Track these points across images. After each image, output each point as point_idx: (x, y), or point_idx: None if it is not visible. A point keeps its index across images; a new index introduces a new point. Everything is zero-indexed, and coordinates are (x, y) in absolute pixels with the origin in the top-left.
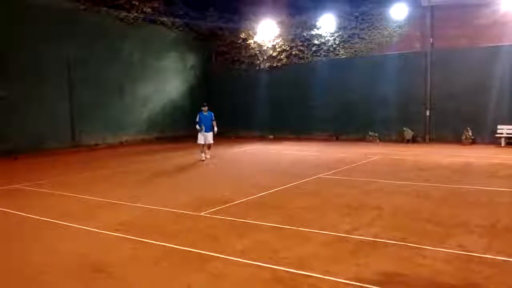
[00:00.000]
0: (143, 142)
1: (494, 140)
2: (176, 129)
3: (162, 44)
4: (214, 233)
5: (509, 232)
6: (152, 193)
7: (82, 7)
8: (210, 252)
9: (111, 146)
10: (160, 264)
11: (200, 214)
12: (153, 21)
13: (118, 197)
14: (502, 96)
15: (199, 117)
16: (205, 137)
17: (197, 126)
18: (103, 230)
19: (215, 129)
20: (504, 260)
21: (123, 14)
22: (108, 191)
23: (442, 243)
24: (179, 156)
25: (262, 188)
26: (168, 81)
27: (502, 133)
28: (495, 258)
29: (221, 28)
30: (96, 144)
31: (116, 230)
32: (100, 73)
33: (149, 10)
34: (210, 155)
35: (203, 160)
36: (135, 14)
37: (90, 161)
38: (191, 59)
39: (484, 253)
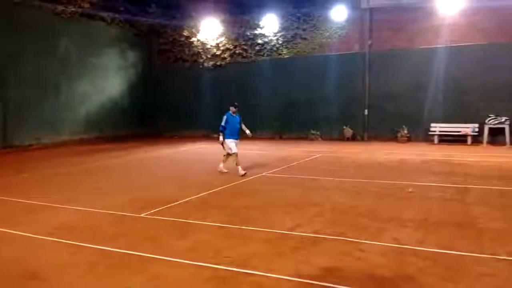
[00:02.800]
0: (81, 142)
1: (428, 138)
2: (116, 128)
3: (101, 40)
4: (154, 235)
5: (441, 225)
6: (91, 195)
7: (16, 0)
8: (150, 254)
9: (47, 147)
10: (97, 268)
11: (140, 215)
12: (92, 17)
13: (54, 199)
14: (436, 96)
15: (226, 120)
16: (235, 146)
17: (220, 137)
18: (37, 235)
19: (248, 132)
20: (435, 252)
21: (60, 8)
22: (44, 193)
23: (378, 237)
24: (119, 156)
25: (205, 187)
26: (107, 79)
27: (435, 131)
28: (427, 251)
29: (163, 25)
30: (31, 145)
31: (51, 234)
32: (34, 70)
33: (87, 4)
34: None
35: (226, 172)
36: (73, 9)
37: (24, 162)
38: (132, 57)
39: (417, 246)
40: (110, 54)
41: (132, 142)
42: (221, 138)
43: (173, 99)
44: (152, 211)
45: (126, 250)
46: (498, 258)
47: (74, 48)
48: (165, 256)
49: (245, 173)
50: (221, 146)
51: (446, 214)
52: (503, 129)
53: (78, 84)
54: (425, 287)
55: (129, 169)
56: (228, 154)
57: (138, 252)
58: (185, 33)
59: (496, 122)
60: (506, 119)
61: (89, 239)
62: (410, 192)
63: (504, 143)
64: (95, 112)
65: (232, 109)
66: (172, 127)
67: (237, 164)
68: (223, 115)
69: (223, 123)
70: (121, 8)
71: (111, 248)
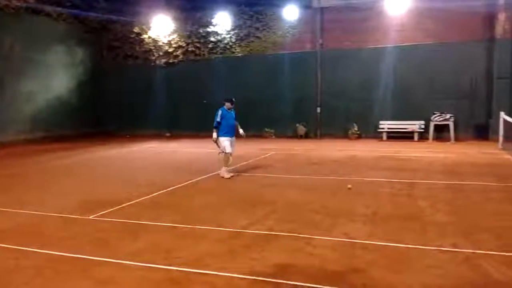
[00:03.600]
0: (27, 142)
1: (377, 135)
2: (64, 128)
3: (48, 36)
4: (104, 237)
5: (389, 219)
6: (38, 197)
7: None
8: (99, 257)
9: None
10: (45, 273)
11: (89, 217)
12: (37, 12)
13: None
14: (385, 94)
15: (221, 115)
16: (231, 144)
17: (214, 134)
18: None
19: (241, 131)
20: (383, 245)
21: (4, 3)
22: None
23: (330, 232)
24: (68, 157)
25: (158, 187)
26: (55, 76)
27: (383, 128)
28: (376, 244)
29: (112, 21)
30: None
31: None
32: None
33: None
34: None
35: (232, 177)
36: (17, 4)
37: None
38: (80, 54)
39: (367, 240)
40: (58, 51)
41: (81, 142)
42: (214, 135)
43: (124, 97)
44: (101, 212)
45: (74, 254)
46: (443, 250)
47: (19, 45)
48: (114, 259)
49: (231, 176)
50: (215, 145)
51: (394, 208)
52: (448, 125)
53: (23, 83)
54: (374, 279)
55: (79, 169)
56: (223, 153)
57: (87, 255)
58: (136, 29)
59: (441, 119)
60: (450, 116)
61: (35, 244)
62: (349, 188)
63: (448, 139)
64: (42, 111)
65: (227, 104)
66: (123, 126)
67: (225, 165)
68: (217, 110)
69: (218, 119)
70: (68, 4)
71: (59, 252)
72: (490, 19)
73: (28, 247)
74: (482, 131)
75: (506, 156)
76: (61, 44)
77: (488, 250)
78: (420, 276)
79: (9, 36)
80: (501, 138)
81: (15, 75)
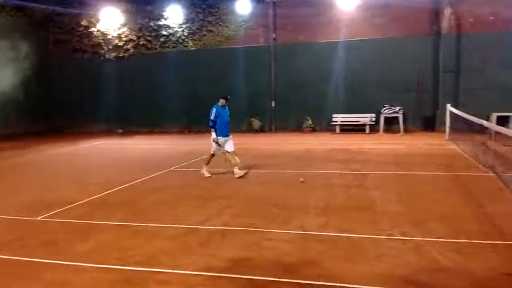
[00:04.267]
0: None
1: (330, 128)
2: (9, 125)
3: None
4: (53, 238)
5: (342, 210)
6: None
7: None
8: (49, 259)
9: None
10: None
11: (37, 218)
12: None
13: None
14: (338, 88)
15: (216, 113)
16: (223, 143)
17: (213, 134)
18: None
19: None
20: (336, 235)
21: None
22: None
23: (285, 225)
24: (14, 156)
25: (110, 185)
26: None
27: (337, 121)
28: (328, 235)
29: (59, 14)
30: None
31: None
32: None
33: None
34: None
35: (209, 177)
36: None
37: None
38: (25, 48)
39: (321, 231)
40: (0, 46)
41: (28, 140)
42: (214, 135)
43: (73, 93)
44: (50, 213)
45: (22, 257)
46: (393, 239)
47: None
48: (66, 261)
49: (210, 176)
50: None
51: (347, 199)
52: (397, 118)
53: None
54: (328, 270)
55: (26, 169)
56: (212, 155)
57: (36, 258)
58: (84, 22)
59: (390, 111)
60: (399, 109)
61: None
62: (301, 182)
63: (398, 131)
64: None
65: (222, 101)
66: (73, 123)
67: (207, 164)
68: (214, 108)
69: (212, 117)
70: None
71: (6, 256)
72: (436, 15)
73: None
74: (430, 123)
75: (452, 146)
76: (4, 38)
77: (436, 238)
78: (372, 265)
79: None
80: (447, 129)
81: None
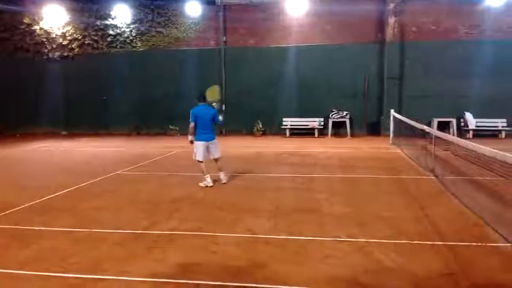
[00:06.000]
0: None
1: (281, 132)
2: None
3: None
4: None
5: (290, 213)
6: None
7: None
8: None
9: None
10: None
11: None
12: None
13: None
14: (288, 92)
15: (195, 115)
16: (208, 149)
17: (189, 136)
18: None
19: (188, 137)
20: (285, 238)
21: None
22: None
23: (233, 229)
24: None
25: (51, 189)
26: None
27: (287, 125)
28: (278, 238)
29: None
30: None
31: None
32: None
33: None
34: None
35: (211, 186)
36: None
37: None
38: None
39: (269, 234)
40: None
41: None
42: (190, 136)
43: (14, 93)
44: None
45: None
46: (339, 240)
47: None
48: (3, 269)
49: (212, 186)
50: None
51: (295, 202)
52: (345, 122)
53: None
54: (274, 272)
55: None
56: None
57: None
58: (26, 20)
59: (338, 116)
60: (347, 113)
61: None
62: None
63: (345, 135)
64: None
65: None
66: (14, 124)
67: (204, 174)
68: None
69: (192, 118)
70: None
71: None
72: (381, 23)
73: None
74: (375, 128)
75: (396, 150)
76: None
77: (380, 239)
78: (319, 266)
79: None
80: (391, 134)
81: None
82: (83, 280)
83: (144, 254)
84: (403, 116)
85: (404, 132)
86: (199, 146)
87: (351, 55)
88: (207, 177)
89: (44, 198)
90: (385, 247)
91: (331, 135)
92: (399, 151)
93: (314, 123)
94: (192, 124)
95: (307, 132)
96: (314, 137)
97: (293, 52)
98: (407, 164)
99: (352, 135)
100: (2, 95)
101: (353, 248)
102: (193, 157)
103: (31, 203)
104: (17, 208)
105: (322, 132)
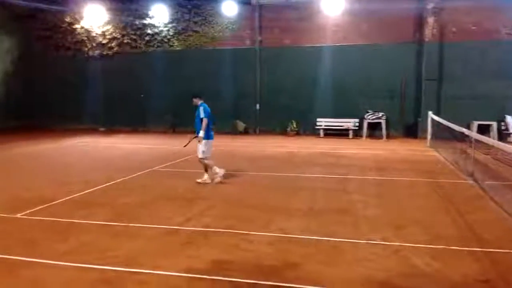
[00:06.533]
0: None
1: (314, 132)
2: None
3: None
4: (32, 237)
5: (323, 214)
6: None
7: None
8: (27, 257)
9: None
10: None
11: (16, 216)
12: None
13: None
14: (323, 92)
15: (207, 111)
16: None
17: (202, 132)
18: None
19: (200, 133)
20: (318, 239)
21: None
22: None
23: (266, 227)
24: None
25: (91, 184)
26: None
27: (321, 126)
28: (310, 238)
29: (42, 9)
30: None
31: None
32: None
33: None
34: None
35: (221, 182)
36: None
37: None
38: (6, 42)
39: (302, 234)
40: None
41: (8, 136)
42: (201, 132)
43: (56, 90)
44: (30, 211)
45: (0, 254)
46: (373, 243)
47: None
48: (44, 259)
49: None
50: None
51: (329, 203)
52: (380, 124)
53: None
54: (308, 273)
55: (6, 165)
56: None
57: (13, 255)
58: (68, 19)
59: (374, 117)
60: (382, 115)
61: None
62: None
63: (381, 137)
64: None
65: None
66: (55, 120)
67: (210, 168)
68: (198, 107)
69: (205, 115)
70: None
71: None
72: (419, 23)
73: None
74: (412, 130)
75: (434, 153)
76: None
77: (415, 243)
78: (352, 268)
79: None
80: (429, 137)
81: None
82: (120, 273)
83: (179, 250)
84: (441, 118)
85: (442, 134)
86: (209, 144)
87: (388, 55)
88: (217, 168)
89: (83, 192)
90: (421, 251)
91: (366, 136)
92: (436, 154)
93: (348, 124)
94: (206, 121)
95: (341, 133)
96: (349, 138)
97: (329, 51)
98: (445, 167)
99: (388, 136)
100: (45, 92)
101: (388, 252)
102: (201, 155)
103: (71, 197)
104: (58, 201)
105: (357, 133)
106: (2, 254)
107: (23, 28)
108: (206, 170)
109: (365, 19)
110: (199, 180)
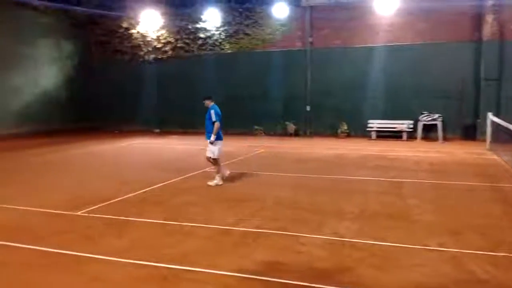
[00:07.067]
0: (14, 137)
1: (366, 134)
2: (52, 123)
3: (34, 30)
4: (91, 233)
5: (376, 218)
6: (26, 193)
7: None
8: (86, 253)
9: None
10: (31, 269)
11: (77, 213)
12: (23, 4)
13: None
14: (375, 93)
15: (219, 114)
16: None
17: (213, 136)
18: None
19: (212, 137)
20: (371, 243)
21: None
22: None
23: (318, 230)
24: (55, 152)
25: (145, 184)
26: (41, 70)
27: (372, 127)
28: (363, 242)
29: (100, 15)
30: None
31: None
32: None
33: None
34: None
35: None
36: None
37: None
38: (68, 48)
39: (355, 238)
40: (45, 45)
41: (68, 137)
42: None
43: (113, 93)
44: (89, 209)
45: (61, 249)
46: (429, 249)
47: (5, 38)
48: (103, 255)
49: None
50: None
51: (382, 206)
52: (436, 125)
53: (9, 76)
54: (361, 278)
55: (66, 165)
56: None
57: (74, 251)
58: (124, 24)
59: (429, 118)
60: (438, 116)
61: (23, 239)
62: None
63: (436, 139)
64: (28, 106)
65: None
66: (112, 121)
67: (219, 171)
68: (209, 109)
69: (216, 117)
70: None
71: (46, 248)
72: (478, 21)
73: (16, 243)
74: (470, 132)
75: (493, 156)
76: (49, 38)
77: (473, 250)
78: (407, 274)
79: None
80: (488, 139)
81: (2, 69)
82: (174, 271)
83: (231, 250)
84: (501, 119)
85: (503, 137)
86: (219, 145)
87: (444, 54)
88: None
89: (139, 192)
90: (479, 258)
91: (421, 138)
92: (496, 157)
93: (402, 125)
94: (218, 124)
95: (394, 135)
96: (402, 140)
97: (381, 51)
98: (506, 171)
99: (444, 139)
100: (103, 94)
101: (444, 258)
102: (212, 156)
103: (127, 196)
104: (115, 200)
105: (411, 135)
106: (65, 250)
107: (83, 34)
108: (218, 172)
109: (420, 18)
110: (210, 183)
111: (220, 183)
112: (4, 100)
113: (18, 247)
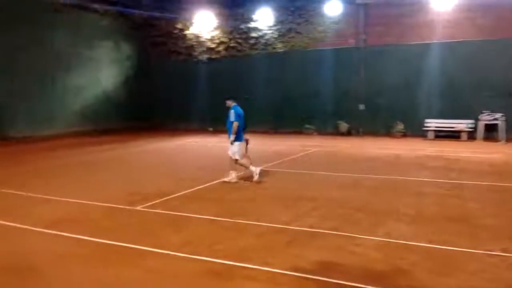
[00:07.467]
0: (76, 135)
1: (422, 133)
2: (111, 121)
3: (95, 32)
4: (150, 228)
5: (432, 220)
6: (87, 188)
7: None
8: (146, 246)
9: (41, 139)
10: (93, 261)
11: (136, 208)
12: (85, 8)
13: (52, 192)
14: (431, 92)
15: (239, 114)
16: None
17: (232, 136)
18: (34, 227)
19: (231, 137)
20: (429, 247)
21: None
22: (39, 186)
23: (373, 231)
24: (114, 149)
25: (200, 181)
26: (102, 71)
27: (430, 127)
28: (419, 245)
29: (156, 18)
30: (25, 137)
31: (48, 227)
32: (28, 62)
33: None
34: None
35: (252, 181)
36: (64, 0)
37: (19, 154)
38: (126, 49)
39: (412, 241)
40: (104, 47)
41: (127, 135)
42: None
43: (168, 92)
44: (147, 204)
45: (121, 242)
46: (492, 254)
47: (68, 40)
48: (161, 249)
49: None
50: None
51: (440, 209)
52: (497, 125)
53: (72, 77)
54: (419, 281)
55: (125, 162)
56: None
57: (134, 245)
58: (179, 25)
59: (490, 118)
60: (501, 115)
61: (85, 232)
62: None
63: (499, 139)
64: (90, 105)
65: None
66: (168, 120)
67: (246, 167)
68: (230, 110)
69: (235, 118)
70: (114, 0)
71: (107, 240)
72: None
73: (79, 235)
74: None
75: None
76: (108, 40)
77: None
78: (468, 279)
79: (59, 32)
80: None
81: (65, 70)
82: (228, 266)
83: (285, 248)
84: None
85: None
86: (240, 146)
87: (506, 50)
88: (253, 167)
89: (195, 188)
90: None
91: (482, 139)
92: None
93: (461, 125)
94: (237, 124)
95: (452, 135)
96: (461, 141)
97: (437, 48)
98: None
99: (507, 139)
100: (159, 94)
101: (507, 263)
102: (234, 157)
103: (182, 192)
104: (172, 196)
105: (471, 135)
106: (125, 243)
107: (141, 35)
108: (233, 169)
109: (480, 13)
110: (226, 179)
111: (234, 180)
112: (66, 100)
113: (81, 239)
